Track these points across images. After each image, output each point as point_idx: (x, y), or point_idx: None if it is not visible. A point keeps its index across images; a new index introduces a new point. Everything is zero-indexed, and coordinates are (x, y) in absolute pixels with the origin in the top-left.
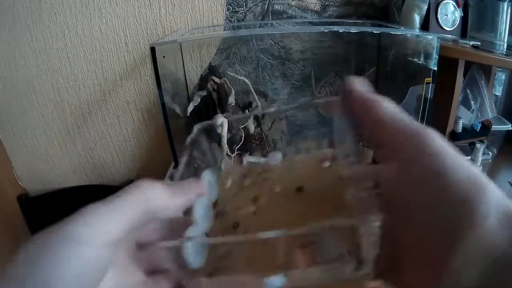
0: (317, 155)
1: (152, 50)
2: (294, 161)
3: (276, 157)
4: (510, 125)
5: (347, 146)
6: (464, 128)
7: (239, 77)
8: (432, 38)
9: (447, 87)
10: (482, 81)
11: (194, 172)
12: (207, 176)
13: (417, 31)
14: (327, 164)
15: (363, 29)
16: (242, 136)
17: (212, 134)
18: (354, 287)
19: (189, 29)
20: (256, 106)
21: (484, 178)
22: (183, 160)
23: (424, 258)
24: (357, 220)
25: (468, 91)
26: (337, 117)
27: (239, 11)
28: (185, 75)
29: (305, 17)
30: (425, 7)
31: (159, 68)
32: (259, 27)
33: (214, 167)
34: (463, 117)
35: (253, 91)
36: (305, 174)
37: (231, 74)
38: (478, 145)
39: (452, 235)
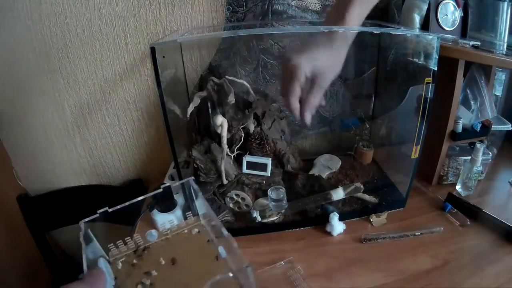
0: (187, 225)
1: (152, 50)
2: (168, 237)
3: (152, 234)
4: (510, 125)
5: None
6: (464, 128)
7: (238, 80)
8: (432, 38)
9: (447, 87)
10: (482, 81)
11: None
12: (102, 263)
13: (417, 31)
14: (195, 231)
15: (363, 29)
16: (242, 136)
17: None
18: None
19: (189, 29)
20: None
21: None
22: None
23: None
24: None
25: (468, 91)
26: None
27: (239, 11)
28: (185, 75)
29: (305, 17)
30: (425, 7)
31: (159, 68)
32: (259, 27)
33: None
34: (463, 117)
35: (252, 92)
36: (177, 245)
37: (230, 78)
38: (478, 145)
39: None
